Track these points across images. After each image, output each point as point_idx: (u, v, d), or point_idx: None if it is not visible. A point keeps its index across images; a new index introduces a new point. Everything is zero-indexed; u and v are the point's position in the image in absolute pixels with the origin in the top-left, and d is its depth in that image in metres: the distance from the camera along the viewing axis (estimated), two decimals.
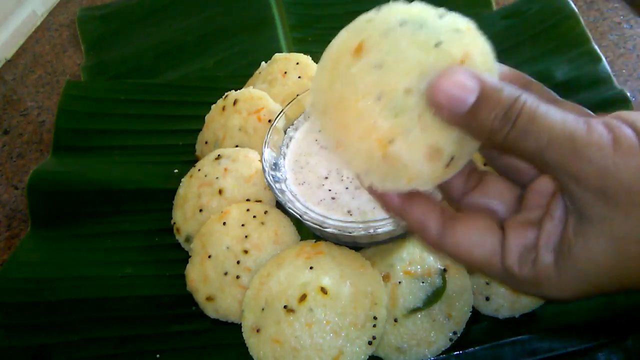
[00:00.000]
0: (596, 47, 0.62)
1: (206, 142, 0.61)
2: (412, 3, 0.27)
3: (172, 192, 0.57)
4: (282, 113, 0.53)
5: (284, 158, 0.52)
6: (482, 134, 0.25)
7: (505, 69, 0.29)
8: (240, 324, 0.46)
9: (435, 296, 0.44)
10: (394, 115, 0.25)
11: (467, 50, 0.25)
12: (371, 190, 0.29)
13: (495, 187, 0.30)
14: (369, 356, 0.43)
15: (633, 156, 0.22)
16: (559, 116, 0.24)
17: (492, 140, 0.25)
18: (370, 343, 0.42)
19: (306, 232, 0.52)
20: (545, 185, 0.28)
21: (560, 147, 0.23)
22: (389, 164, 0.26)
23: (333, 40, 0.28)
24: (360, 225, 0.45)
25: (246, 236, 0.49)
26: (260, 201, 0.53)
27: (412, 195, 0.29)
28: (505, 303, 0.45)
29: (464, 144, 0.26)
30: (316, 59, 0.64)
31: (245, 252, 0.49)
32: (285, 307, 0.44)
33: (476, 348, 0.44)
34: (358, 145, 0.26)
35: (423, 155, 0.26)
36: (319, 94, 0.28)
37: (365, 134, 0.26)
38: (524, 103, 0.24)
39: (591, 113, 0.29)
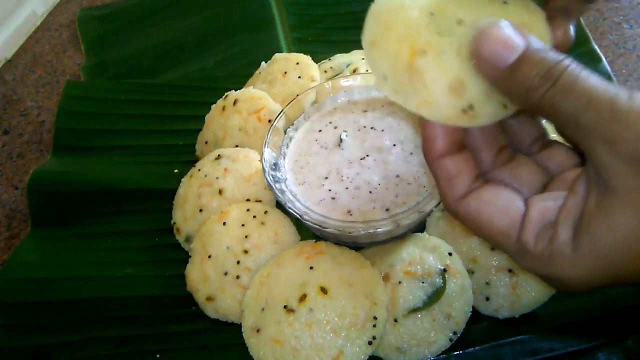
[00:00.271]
0: (596, 47, 0.62)
1: (206, 142, 0.61)
2: None
3: (172, 192, 0.57)
4: (282, 113, 0.53)
5: (284, 158, 0.52)
6: (519, 92, 0.25)
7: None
8: (240, 324, 0.46)
9: (435, 296, 0.44)
10: (437, 33, 0.25)
11: (526, 21, 0.26)
12: (424, 122, 0.28)
13: (525, 167, 0.29)
14: (369, 356, 0.43)
15: None
16: (601, 82, 0.23)
17: (528, 99, 0.25)
18: (370, 343, 0.42)
19: (306, 232, 0.52)
20: (573, 175, 0.28)
21: (600, 109, 0.23)
22: (411, 76, 0.26)
23: None
24: (360, 225, 0.45)
25: (246, 236, 0.49)
26: (260, 201, 0.53)
27: (457, 150, 0.28)
28: (505, 303, 0.45)
29: (489, 100, 0.26)
30: (316, 59, 0.64)
31: (245, 252, 0.49)
32: (285, 307, 0.44)
33: (476, 348, 0.44)
34: (391, 46, 0.26)
35: (446, 83, 0.25)
36: (380, 2, 0.28)
37: (403, 37, 0.26)
38: (568, 65, 0.24)
39: None
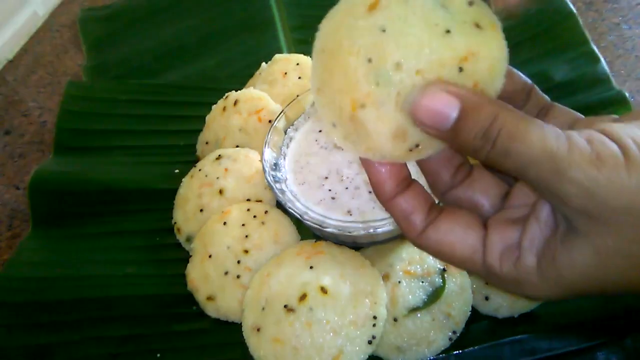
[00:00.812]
0: (595, 47, 0.62)
1: (207, 143, 0.61)
2: None
3: (173, 192, 0.58)
4: (282, 113, 0.54)
5: (284, 158, 0.52)
6: (467, 152, 0.25)
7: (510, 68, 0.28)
8: (241, 323, 0.46)
9: (435, 296, 0.44)
10: (375, 83, 0.25)
11: (474, 50, 0.25)
12: (368, 171, 0.28)
13: (483, 181, 0.30)
14: (369, 356, 0.43)
15: (617, 174, 0.22)
16: (539, 134, 0.23)
17: (476, 157, 0.25)
18: (370, 342, 0.43)
19: (306, 232, 0.52)
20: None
21: (541, 167, 0.23)
22: (355, 126, 0.26)
23: None
24: (360, 225, 0.45)
25: (246, 236, 0.50)
26: (260, 201, 0.53)
27: (407, 186, 0.28)
28: (504, 303, 0.45)
29: (433, 138, 0.26)
30: None
31: (246, 251, 0.49)
32: (285, 306, 0.44)
33: (476, 347, 0.44)
34: (334, 97, 0.26)
35: (388, 131, 0.25)
36: (323, 33, 0.28)
37: (343, 89, 0.26)
38: (504, 121, 0.24)
39: (581, 116, 0.29)
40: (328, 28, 0.27)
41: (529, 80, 0.30)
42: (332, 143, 0.52)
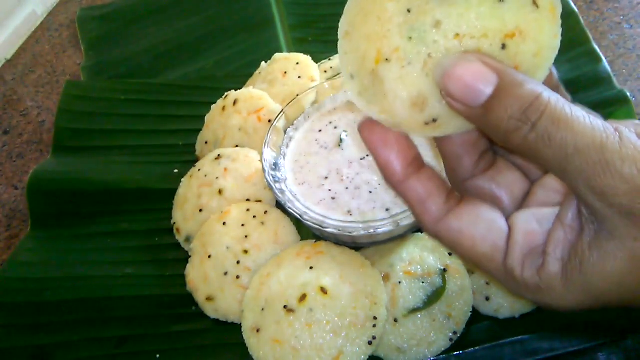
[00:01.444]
0: (596, 47, 0.62)
1: (206, 142, 0.61)
2: None
3: (172, 192, 0.57)
4: (282, 113, 0.53)
5: (284, 158, 0.52)
6: (497, 133, 0.23)
7: None
8: (240, 324, 0.46)
9: (435, 296, 0.44)
10: (407, 37, 0.23)
11: (524, 28, 0.23)
12: (372, 150, 0.26)
13: (508, 174, 0.27)
14: (369, 356, 0.43)
15: None
16: (587, 121, 0.21)
17: (507, 141, 0.22)
18: (370, 343, 0.42)
19: (306, 232, 0.52)
20: (555, 183, 0.26)
21: (588, 157, 0.21)
22: (374, 82, 0.24)
23: None
24: (360, 225, 0.45)
25: (246, 236, 0.49)
26: (260, 201, 0.53)
27: (418, 168, 0.26)
28: (505, 303, 0.45)
29: (454, 115, 0.23)
30: (316, 59, 0.64)
31: (245, 252, 0.49)
32: (285, 307, 0.44)
33: (476, 348, 0.44)
34: (360, 44, 0.24)
35: (407, 96, 0.23)
36: None
37: (372, 36, 0.23)
38: (548, 102, 0.21)
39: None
40: None
41: (556, 77, 0.28)
42: (333, 143, 0.52)
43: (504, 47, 0.22)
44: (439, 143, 0.27)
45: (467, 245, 0.26)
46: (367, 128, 0.25)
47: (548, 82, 0.26)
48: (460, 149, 0.26)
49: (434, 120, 0.24)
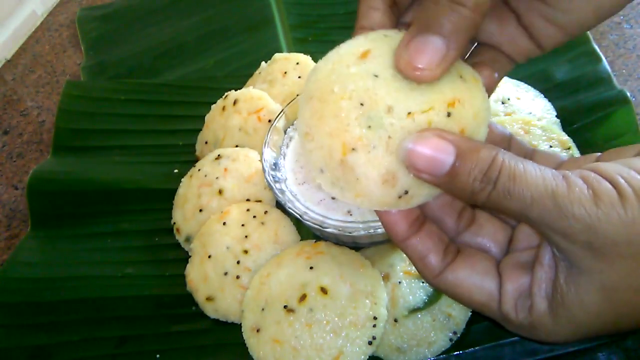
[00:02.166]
0: (596, 47, 0.62)
1: (206, 142, 0.61)
2: None
3: (172, 192, 0.57)
4: (282, 113, 0.53)
5: (284, 158, 0.52)
6: (464, 195, 0.25)
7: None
8: (240, 324, 0.46)
9: (435, 296, 0.44)
10: (367, 126, 0.25)
11: (460, 97, 0.26)
12: (379, 213, 0.29)
13: (488, 226, 0.31)
14: (369, 356, 0.43)
15: (614, 210, 0.23)
16: (538, 173, 0.24)
17: (474, 201, 0.25)
18: (370, 343, 0.42)
19: (306, 232, 0.52)
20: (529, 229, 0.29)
21: (544, 206, 0.23)
22: (344, 171, 0.26)
23: (345, 42, 0.28)
24: (360, 225, 0.45)
25: (246, 236, 0.49)
26: (260, 201, 0.53)
27: (420, 225, 0.29)
28: None
29: (422, 184, 0.26)
30: (316, 59, 0.64)
31: (245, 252, 0.49)
32: (285, 307, 0.44)
33: (476, 348, 0.44)
34: (324, 141, 0.26)
35: (377, 175, 0.26)
36: (312, 82, 0.28)
37: (334, 133, 0.26)
38: (502, 162, 0.24)
39: (564, 157, 0.31)
40: (317, 76, 0.28)
41: (507, 131, 0.32)
42: None
43: (449, 114, 0.25)
44: (422, 210, 0.29)
45: (465, 296, 0.29)
46: None
47: (500, 137, 0.31)
48: (440, 212, 0.30)
49: (406, 192, 0.26)
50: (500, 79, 0.32)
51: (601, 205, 0.23)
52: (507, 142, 0.32)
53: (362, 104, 0.25)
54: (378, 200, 0.27)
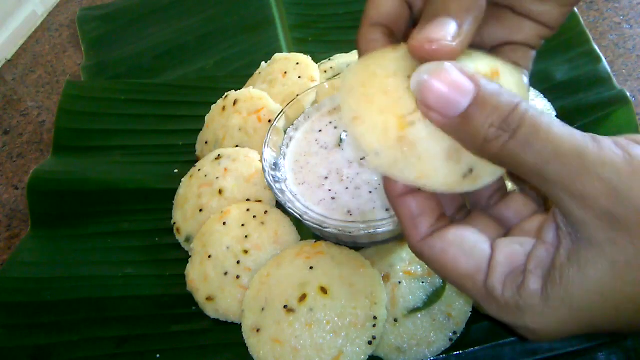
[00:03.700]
0: (596, 47, 0.62)
1: (206, 142, 0.61)
2: None
3: (172, 192, 0.57)
4: (282, 113, 0.53)
5: (284, 158, 0.52)
6: (475, 143, 0.23)
7: None
8: (240, 324, 0.46)
9: (435, 296, 0.44)
10: None
11: (498, 70, 0.25)
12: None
13: (481, 222, 0.28)
14: (369, 356, 0.43)
15: None
16: (565, 129, 0.22)
17: (485, 150, 0.23)
18: (370, 343, 0.42)
19: (306, 232, 0.52)
20: (532, 224, 0.27)
21: (567, 162, 0.21)
22: (403, 149, 0.24)
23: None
24: (360, 225, 0.45)
25: (246, 236, 0.49)
26: (260, 201, 0.53)
27: (419, 189, 0.26)
28: None
29: (484, 161, 0.24)
30: (316, 59, 0.64)
31: (245, 252, 0.49)
32: (285, 307, 0.44)
33: (476, 348, 0.44)
34: (376, 119, 0.24)
35: (442, 150, 0.23)
36: (350, 76, 0.26)
37: (386, 108, 0.24)
38: (526, 111, 0.22)
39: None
40: (354, 70, 0.26)
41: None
42: (333, 143, 0.52)
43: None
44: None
45: (449, 266, 0.26)
46: None
47: None
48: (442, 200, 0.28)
49: (470, 171, 0.24)
50: (530, 67, 0.31)
51: (633, 171, 0.20)
52: None
53: (409, 77, 0.23)
54: (443, 179, 0.24)
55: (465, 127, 0.23)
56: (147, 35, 0.81)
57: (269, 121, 0.56)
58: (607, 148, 0.21)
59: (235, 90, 0.61)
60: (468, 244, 0.26)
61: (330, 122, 0.54)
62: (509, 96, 0.22)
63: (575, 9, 0.65)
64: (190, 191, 0.55)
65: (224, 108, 0.60)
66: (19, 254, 0.55)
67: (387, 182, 0.27)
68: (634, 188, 0.21)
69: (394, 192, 0.27)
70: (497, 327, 0.45)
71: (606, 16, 0.73)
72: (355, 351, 0.42)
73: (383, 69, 0.24)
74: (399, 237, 0.47)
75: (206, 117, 0.62)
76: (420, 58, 0.24)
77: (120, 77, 0.75)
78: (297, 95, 0.55)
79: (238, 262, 0.48)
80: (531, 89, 0.58)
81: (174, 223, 0.56)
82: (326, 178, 0.49)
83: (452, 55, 0.23)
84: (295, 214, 0.47)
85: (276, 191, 0.48)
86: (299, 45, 0.74)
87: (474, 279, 0.25)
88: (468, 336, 0.44)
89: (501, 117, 0.22)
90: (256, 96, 0.59)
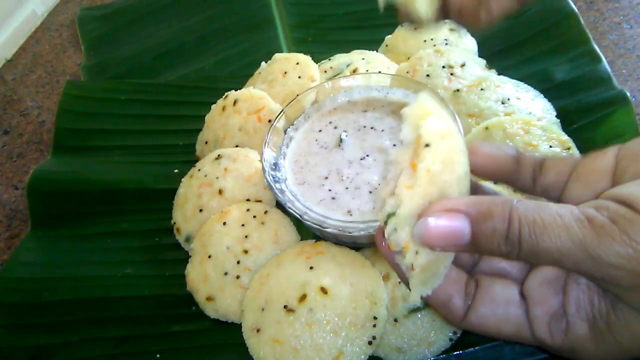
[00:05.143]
0: (596, 47, 0.62)
1: (206, 142, 0.61)
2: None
3: (172, 192, 0.57)
4: (282, 113, 0.53)
5: (284, 158, 0.52)
6: (497, 256, 0.25)
7: (491, 148, 0.29)
8: (240, 324, 0.46)
9: None
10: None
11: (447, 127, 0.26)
12: (393, 264, 0.29)
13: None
14: (369, 356, 0.43)
15: None
16: (559, 222, 0.23)
17: (509, 260, 0.25)
18: (370, 343, 0.42)
19: (306, 232, 0.52)
20: None
21: (576, 258, 0.22)
22: None
23: None
24: (360, 225, 0.45)
25: (246, 236, 0.49)
26: (260, 201, 0.53)
27: None
28: None
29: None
30: (316, 59, 0.64)
31: (245, 252, 0.49)
32: (285, 307, 0.44)
33: (476, 348, 0.44)
34: None
35: None
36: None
37: None
38: (519, 220, 0.23)
39: (578, 157, 0.29)
40: None
41: (512, 151, 0.30)
42: (333, 143, 0.52)
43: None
44: None
45: (494, 334, 0.28)
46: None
47: (509, 159, 0.29)
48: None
49: None
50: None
51: (638, 247, 0.22)
52: (515, 161, 0.30)
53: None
54: None
55: (480, 248, 0.24)
56: (147, 35, 0.80)
57: (269, 121, 0.56)
58: (603, 233, 0.22)
59: (235, 90, 0.61)
60: (500, 310, 0.27)
61: (330, 122, 0.54)
62: (498, 209, 0.24)
63: (576, 9, 0.65)
64: (190, 191, 0.55)
65: (224, 108, 0.60)
66: (18, 254, 0.55)
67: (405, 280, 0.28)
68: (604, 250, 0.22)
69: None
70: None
71: (606, 16, 0.73)
72: (355, 351, 0.42)
73: None
74: None
75: (206, 117, 0.62)
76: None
77: (120, 77, 0.75)
78: (297, 95, 0.55)
79: (238, 262, 0.48)
80: (531, 89, 0.58)
81: (174, 223, 0.56)
82: (326, 178, 0.49)
83: None
84: (295, 214, 0.46)
85: (276, 191, 0.48)
86: (299, 45, 0.74)
87: (520, 336, 0.27)
88: (468, 336, 0.44)
89: (502, 236, 0.23)
90: (256, 96, 0.59)
